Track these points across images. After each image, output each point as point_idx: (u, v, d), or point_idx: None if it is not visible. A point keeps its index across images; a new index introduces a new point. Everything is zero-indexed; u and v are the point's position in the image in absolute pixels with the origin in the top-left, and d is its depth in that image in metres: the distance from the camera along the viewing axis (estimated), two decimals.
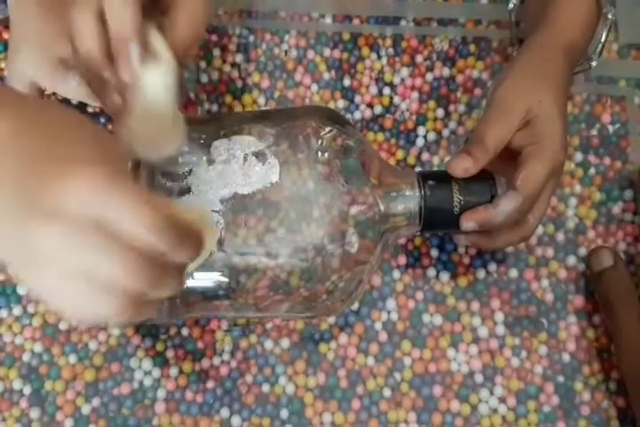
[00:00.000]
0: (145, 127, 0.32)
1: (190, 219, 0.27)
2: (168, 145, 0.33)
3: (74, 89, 0.40)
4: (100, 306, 0.25)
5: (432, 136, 0.46)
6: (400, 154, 0.45)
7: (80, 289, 0.25)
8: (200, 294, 0.35)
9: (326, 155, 0.35)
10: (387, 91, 0.46)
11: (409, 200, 0.35)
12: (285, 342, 0.42)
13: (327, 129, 0.35)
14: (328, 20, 0.48)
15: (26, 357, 0.41)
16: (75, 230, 0.24)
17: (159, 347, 0.42)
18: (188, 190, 0.34)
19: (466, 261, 0.43)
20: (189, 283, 0.34)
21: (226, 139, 0.35)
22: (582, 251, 0.44)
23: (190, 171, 0.34)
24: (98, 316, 0.25)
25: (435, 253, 0.43)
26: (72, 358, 0.41)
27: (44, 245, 0.24)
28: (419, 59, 0.47)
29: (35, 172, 0.25)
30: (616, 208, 0.45)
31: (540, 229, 0.44)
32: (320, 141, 0.35)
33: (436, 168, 0.45)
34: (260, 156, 0.34)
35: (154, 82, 0.31)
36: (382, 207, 0.35)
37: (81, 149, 0.26)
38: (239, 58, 0.47)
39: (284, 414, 0.41)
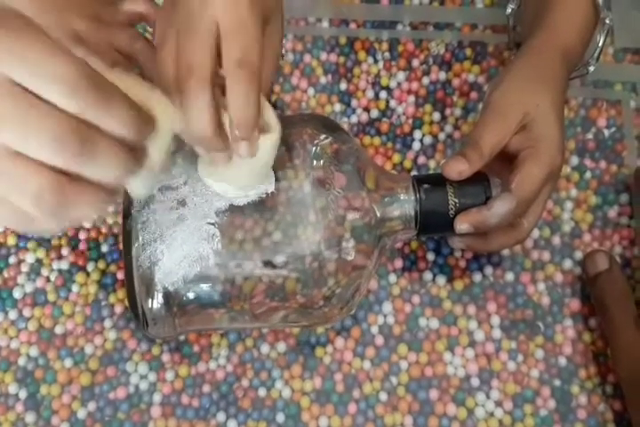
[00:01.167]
0: (239, 179, 0.33)
1: (137, 94, 0.24)
2: (256, 188, 0.33)
3: None
4: (20, 185, 0.22)
5: (428, 140, 0.46)
6: (396, 158, 0.45)
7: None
8: (197, 301, 0.34)
9: (322, 162, 0.35)
10: (383, 95, 0.47)
11: (404, 204, 0.35)
12: (282, 346, 0.42)
13: (322, 136, 0.35)
14: (325, 25, 0.48)
15: (21, 361, 0.41)
16: None
17: (155, 351, 0.41)
18: (183, 203, 0.34)
19: (462, 264, 0.43)
20: (190, 294, 0.34)
21: None
22: (578, 254, 0.44)
23: (185, 183, 0.34)
24: (20, 198, 0.23)
25: (431, 256, 0.43)
26: (68, 362, 0.41)
27: None
28: (415, 63, 0.47)
29: None
30: (612, 212, 0.45)
31: (535, 233, 0.44)
32: (315, 148, 0.35)
33: (432, 172, 0.45)
34: None
35: (264, 150, 0.31)
36: (378, 212, 0.35)
37: None
38: None
39: (281, 418, 0.41)
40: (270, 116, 0.32)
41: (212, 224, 0.33)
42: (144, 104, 0.25)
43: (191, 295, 0.34)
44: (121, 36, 0.39)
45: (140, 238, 0.33)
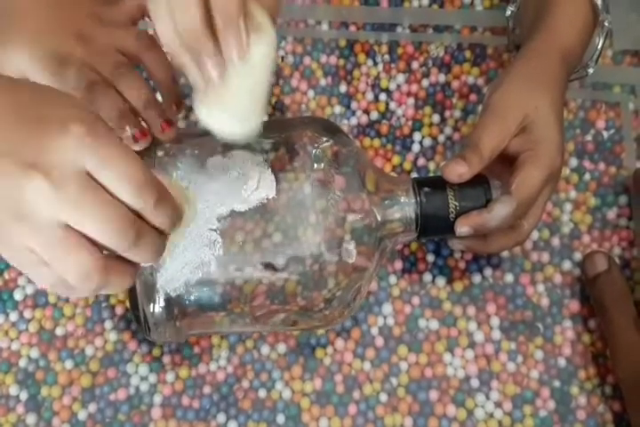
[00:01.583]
0: (237, 101, 0.30)
1: (171, 190, 0.28)
2: (256, 119, 0.31)
3: (71, 90, 0.39)
4: (72, 262, 0.26)
5: (428, 142, 0.46)
6: (396, 160, 0.46)
7: (55, 242, 0.25)
8: (198, 305, 0.34)
9: (322, 164, 0.35)
10: (383, 97, 0.47)
11: (405, 207, 0.36)
12: (282, 348, 0.42)
13: (323, 139, 0.35)
14: (324, 27, 0.48)
15: (22, 362, 0.41)
16: (60, 183, 0.25)
17: (155, 352, 0.42)
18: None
19: (462, 266, 0.44)
20: (191, 298, 0.34)
21: (220, 155, 0.35)
22: (577, 256, 0.44)
23: (186, 189, 0.34)
24: (68, 273, 0.26)
25: (431, 258, 0.44)
26: (68, 364, 0.41)
27: (28, 197, 0.25)
28: (414, 65, 0.47)
29: (22, 130, 0.26)
30: (611, 213, 0.45)
31: (535, 235, 0.44)
32: (316, 151, 0.35)
33: (431, 174, 0.45)
34: (256, 171, 0.34)
35: (258, 56, 0.29)
36: (379, 215, 0.35)
37: (64, 109, 0.26)
38: None
39: (281, 419, 0.41)
40: (263, 20, 0.30)
41: (214, 230, 0.33)
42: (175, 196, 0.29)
43: (192, 299, 0.34)
44: (124, 36, 0.39)
45: None
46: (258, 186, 0.34)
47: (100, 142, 0.25)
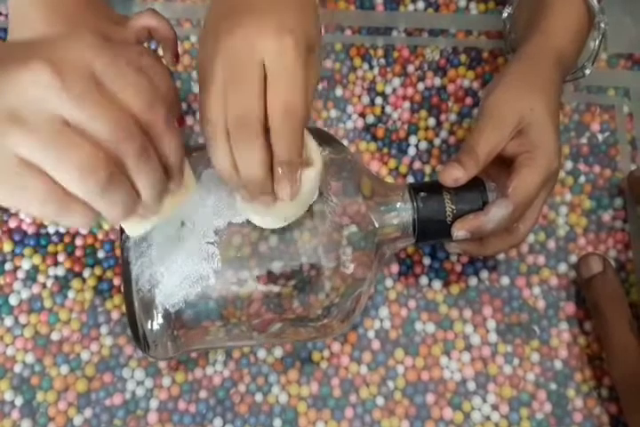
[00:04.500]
0: (283, 211, 0.33)
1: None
2: (292, 219, 0.33)
3: None
4: (33, 194, 0.25)
5: (424, 145, 0.46)
6: (392, 163, 0.46)
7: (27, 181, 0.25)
8: (196, 316, 0.34)
9: None
10: (379, 100, 0.47)
11: (402, 213, 0.36)
12: (278, 351, 0.42)
13: None
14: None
15: (17, 368, 0.41)
16: (33, 128, 0.24)
17: None
18: (181, 223, 0.34)
19: (458, 268, 0.44)
20: (189, 311, 0.34)
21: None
22: (573, 258, 0.44)
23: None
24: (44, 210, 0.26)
25: (427, 261, 0.44)
26: (64, 369, 0.41)
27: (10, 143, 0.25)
28: (410, 69, 0.48)
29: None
30: (606, 216, 0.45)
31: (531, 237, 0.44)
32: None
33: (427, 177, 0.46)
34: None
35: (307, 184, 0.32)
36: (376, 221, 0.35)
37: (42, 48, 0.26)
38: None
39: (278, 423, 0.41)
40: (312, 150, 0.32)
41: (212, 243, 0.33)
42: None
43: (191, 313, 0.34)
44: (128, 53, 0.39)
45: (140, 261, 0.33)
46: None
47: (74, 91, 0.25)
